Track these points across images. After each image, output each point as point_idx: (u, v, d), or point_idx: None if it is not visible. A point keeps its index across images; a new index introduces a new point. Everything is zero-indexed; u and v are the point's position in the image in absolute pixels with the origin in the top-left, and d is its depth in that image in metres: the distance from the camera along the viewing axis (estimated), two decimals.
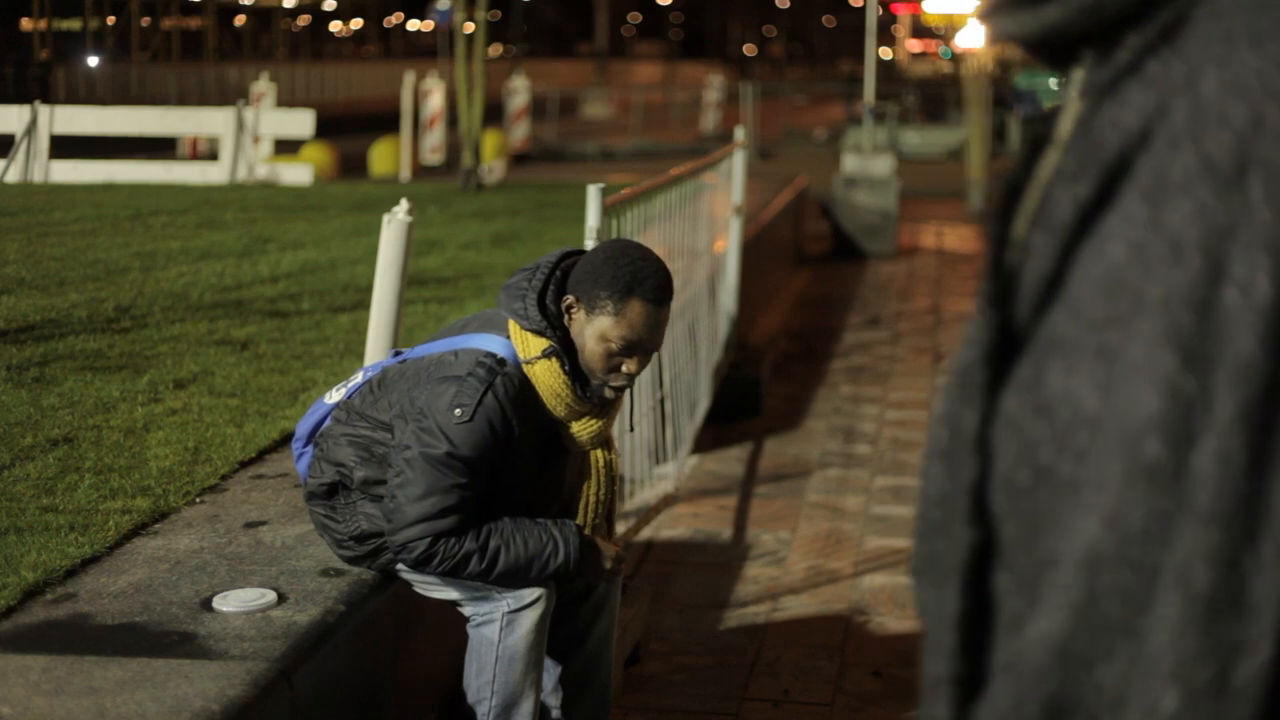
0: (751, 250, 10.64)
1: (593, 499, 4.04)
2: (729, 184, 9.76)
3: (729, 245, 9.63)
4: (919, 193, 21.92)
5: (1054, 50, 1.27)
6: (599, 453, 4.03)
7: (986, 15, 1.31)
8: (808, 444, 8.48)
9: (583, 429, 3.96)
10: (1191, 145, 1.09)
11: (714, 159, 9.24)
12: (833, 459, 8.16)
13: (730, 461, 8.11)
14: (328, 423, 4.09)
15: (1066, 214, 1.16)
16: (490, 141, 21.07)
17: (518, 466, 3.88)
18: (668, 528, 6.92)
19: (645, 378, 7.03)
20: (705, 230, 9.05)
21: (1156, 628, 1.09)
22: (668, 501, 7.09)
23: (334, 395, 4.15)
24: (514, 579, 3.83)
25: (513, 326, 3.87)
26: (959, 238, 18.65)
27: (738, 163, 9.88)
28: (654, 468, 7.25)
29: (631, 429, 5.50)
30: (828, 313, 12.97)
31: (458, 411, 3.72)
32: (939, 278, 15.07)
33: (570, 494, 4.05)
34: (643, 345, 3.87)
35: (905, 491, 7.50)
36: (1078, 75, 1.25)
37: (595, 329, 3.84)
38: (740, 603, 5.98)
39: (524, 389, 3.83)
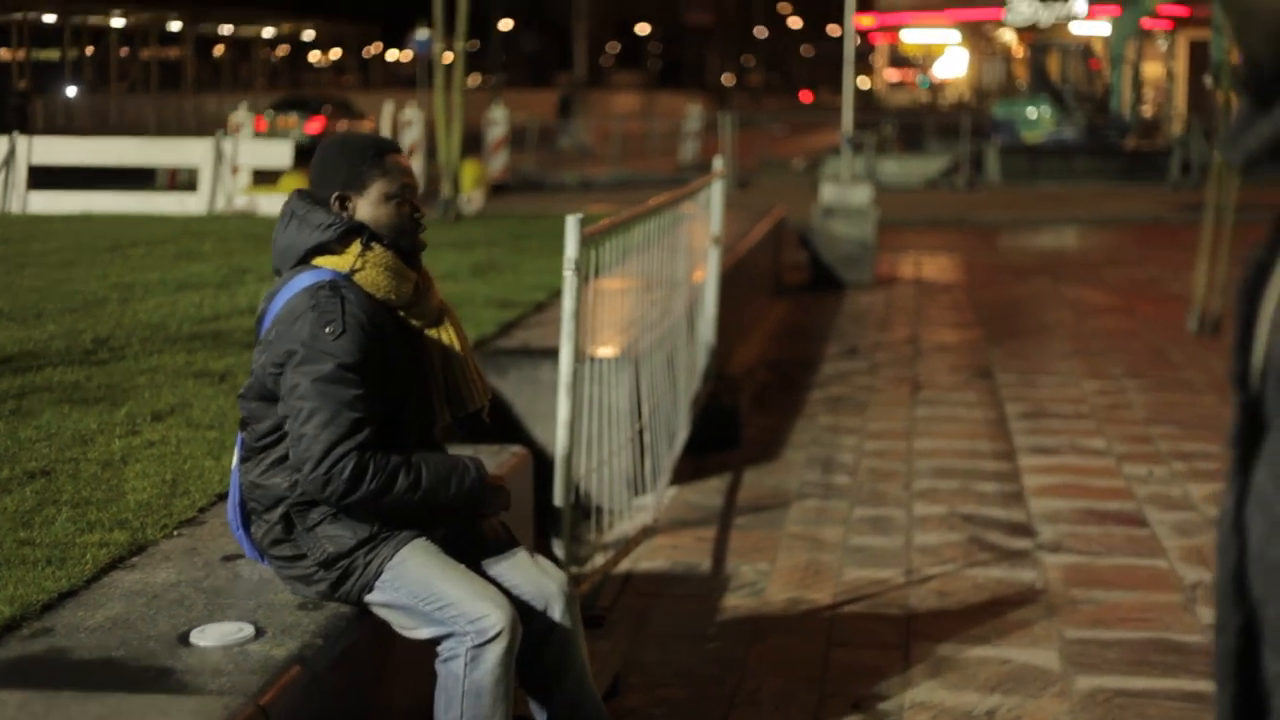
0: (730, 280, 10.66)
1: (464, 367, 4.24)
2: (707, 214, 9.78)
3: (708, 275, 9.64)
4: (897, 222, 21.97)
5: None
6: (446, 327, 4.22)
7: (1228, 141, 1.29)
8: (786, 475, 8.47)
9: (426, 302, 4.16)
10: None
11: (692, 189, 9.26)
12: (811, 490, 8.15)
13: (709, 493, 8.10)
14: (244, 481, 4.10)
15: None
16: (469, 171, 21.09)
17: (396, 370, 4.00)
18: (646, 559, 6.90)
19: (624, 408, 7.04)
20: (684, 260, 9.07)
21: None
22: (646, 533, 7.09)
23: (235, 457, 4.18)
24: (435, 497, 3.94)
25: (322, 259, 4.01)
26: (937, 267, 18.70)
27: (716, 193, 9.90)
28: (632, 499, 7.25)
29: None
30: (806, 343, 12.98)
31: (328, 329, 3.84)
32: (917, 308, 15.10)
33: (444, 378, 4.20)
34: (413, 184, 4.16)
35: (884, 522, 7.50)
36: None
37: (375, 197, 4.07)
38: (720, 634, 5.97)
39: (363, 297, 3.97)
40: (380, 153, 4.11)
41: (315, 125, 38.04)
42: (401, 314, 4.09)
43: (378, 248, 4.02)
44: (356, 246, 4.01)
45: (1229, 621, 1.27)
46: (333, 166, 4.10)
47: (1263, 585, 1.17)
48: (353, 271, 3.98)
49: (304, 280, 3.96)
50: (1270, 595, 1.16)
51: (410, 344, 4.10)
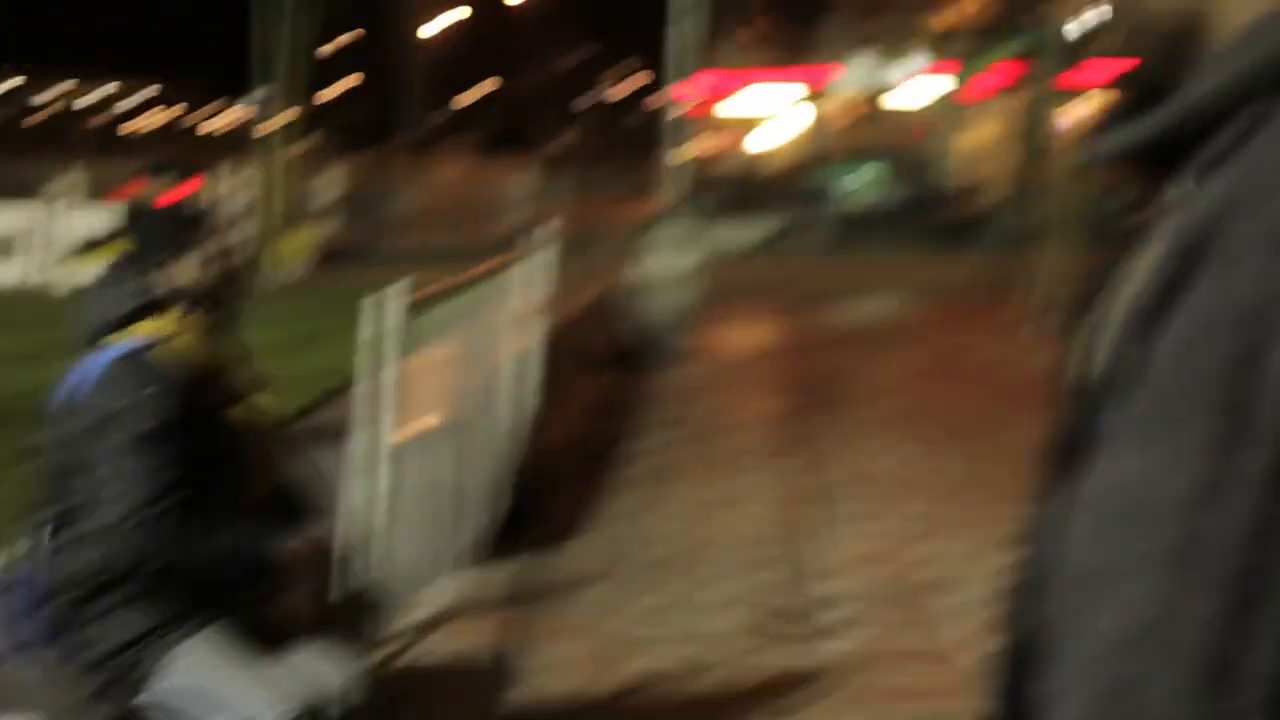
0: (553, 350, 10.65)
1: (259, 448, 4.26)
2: (531, 283, 9.77)
3: (527, 346, 9.62)
4: (722, 290, 22.08)
5: (1152, 163, 1.30)
6: (251, 404, 4.24)
7: (1094, 138, 1.35)
8: (593, 551, 8.40)
9: (237, 374, 4.19)
10: (1255, 214, 1.12)
11: (516, 257, 9.25)
12: (615, 569, 8.06)
13: (511, 573, 7.93)
14: (28, 580, 4.03)
15: (1152, 299, 1.18)
16: (296, 238, 20.93)
17: (200, 442, 3.96)
18: (442, 644, 6.75)
19: (440, 480, 6.98)
20: (507, 329, 9.04)
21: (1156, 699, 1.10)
22: (443, 617, 6.98)
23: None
24: (227, 572, 3.94)
25: (139, 326, 4.00)
26: (759, 335, 18.84)
27: (541, 261, 9.92)
28: (433, 581, 7.11)
29: None
30: (623, 415, 12.95)
31: (141, 394, 3.84)
32: (737, 377, 15.18)
33: (241, 454, 4.19)
34: (232, 251, 4.22)
35: (685, 601, 7.45)
36: (1171, 187, 1.28)
37: (195, 263, 4.09)
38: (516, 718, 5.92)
39: (178, 364, 3.97)
40: (200, 220, 4.12)
41: (183, 190, 37.41)
42: (212, 385, 4.06)
43: (195, 315, 4.03)
44: (175, 313, 4.01)
45: (1013, 633, 1.33)
46: (153, 233, 4.09)
47: (1061, 600, 1.20)
48: (169, 338, 3.97)
49: (119, 348, 3.93)
50: (1066, 609, 1.19)
51: (215, 417, 4.06)
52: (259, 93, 30.92)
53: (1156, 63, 1.31)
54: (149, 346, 3.93)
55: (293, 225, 19.22)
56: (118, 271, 4.08)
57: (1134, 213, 1.37)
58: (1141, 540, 1.11)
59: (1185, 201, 1.22)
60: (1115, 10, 1.34)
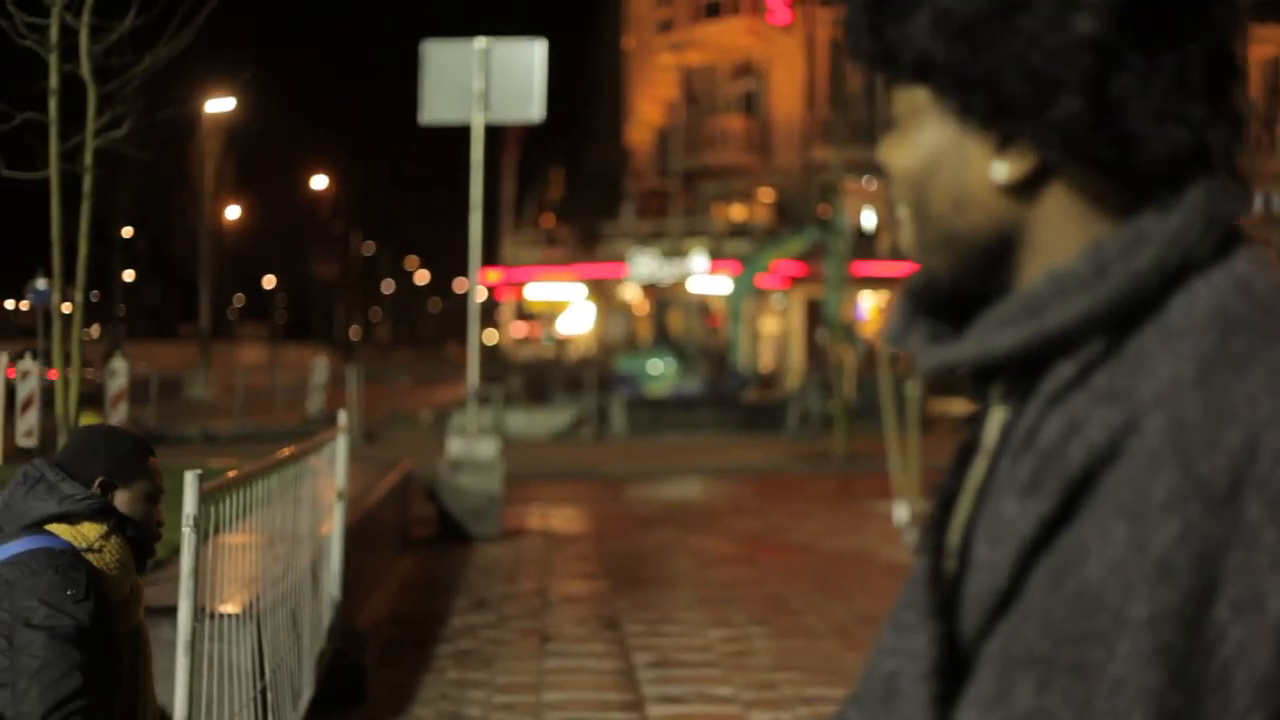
0: (356, 534, 10.53)
1: (148, 676, 4.33)
2: (332, 468, 9.68)
3: (333, 530, 9.51)
4: (525, 475, 22.09)
5: (981, 373, 1.30)
6: (143, 640, 4.27)
7: (897, 340, 1.36)
8: None
9: (135, 608, 4.17)
10: (1179, 465, 1.10)
11: (317, 443, 9.17)
12: None
13: None
14: None
15: (1025, 529, 1.16)
16: (87, 424, 20.49)
17: (109, 649, 3.97)
18: None
19: (246, 666, 6.83)
20: (308, 514, 8.93)
21: None
22: None
23: None
24: None
25: (56, 528, 3.96)
26: (564, 519, 18.83)
27: (341, 446, 9.83)
28: None
29: None
30: (434, 597, 12.85)
31: (70, 592, 3.80)
32: (545, 559, 15.14)
33: (129, 686, 4.18)
34: (162, 489, 4.23)
35: None
36: (996, 390, 1.29)
37: (138, 493, 4.11)
38: None
39: (99, 574, 3.96)
40: (148, 452, 4.19)
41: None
42: (120, 607, 4.05)
43: (119, 539, 4.04)
44: (101, 529, 4.00)
45: None
46: (100, 452, 4.12)
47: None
48: (88, 549, 3.95)
49: (34, 542, 3.91)
50: None
51: (113, 642, 4.04)
52: (38, 281, 30.49)
53: (953, 276, 1.32)
54: (72, 549, 3.93)
55: (85, 411, 18.79)
56: (53, 472, 4.06)
57: (930, 399, 1.38)
58: None
59: (1031, 421, 1.22)
60: (905, 219, 1.36)
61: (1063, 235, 1.25)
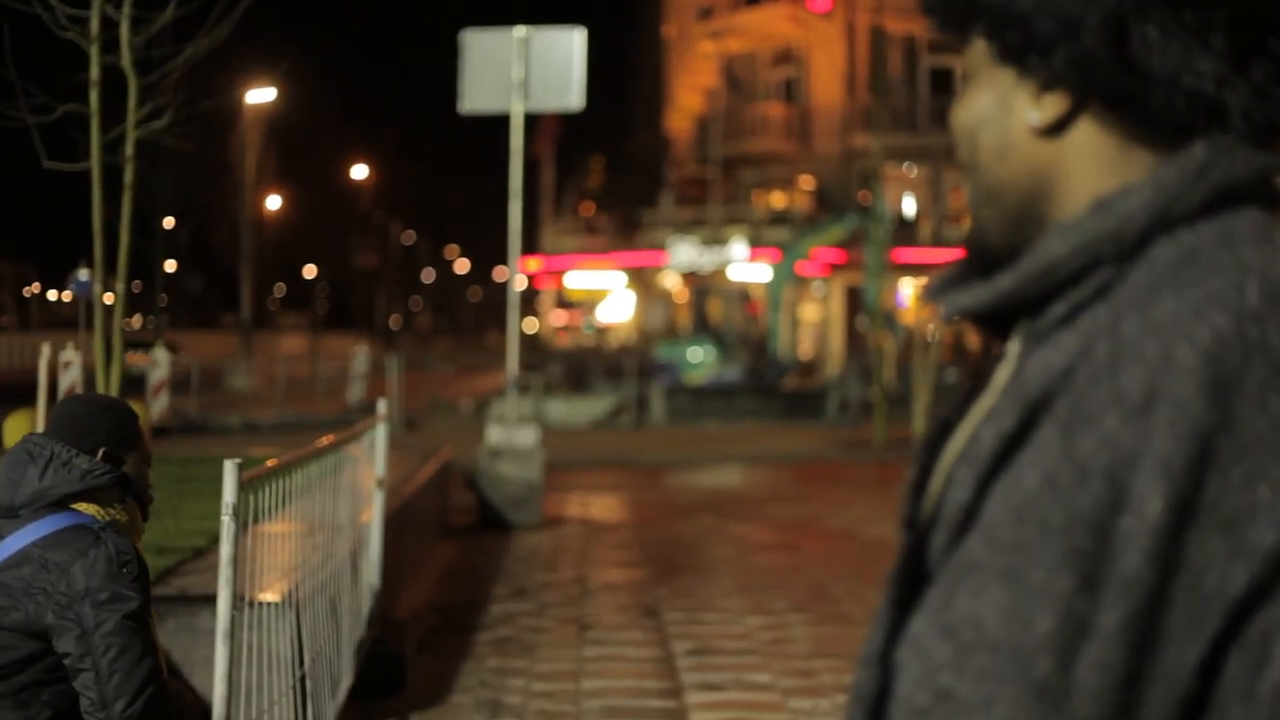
0: (395, 523, 10.56)
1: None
2: (373, 456, 9.71)
3: (372, 518, 9.55)
4: (564, 463, 22.13)
5: (997, 321, 1.37)
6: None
7: (935, 293, 1.43)
8: None
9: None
10: (1108, 379, 1.16)
11: (357, 432, 9.20)
12: None
13: None
14: None
15: (988, 447, 1.22)
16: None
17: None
18: None
19: (285, 655, 6.86)
20: (348, 503, 8.96)
21: None
22: None
23: None
24: None
25: (82, 505, 4.05)
26: (604, 507, 18.85)
27: (381, 435, 9.86)
28: None
29: None
30: (473, 585, 12.89)
31: (124, 570, 3.88)
32: (584, 548, 15.17)
33: None
34: (150, 452, 4.34)
35: None
36: (1013, 344, 1.35)
37: (139, 458, 4.24)
38: None
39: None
40: (137, 418, 4.29)
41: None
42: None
43: (132, 503, 4.16)
44: (120, 501, 4.11)
45: None
46: (98, 423, 4.17)
47: None
48: (113, 522, 4.02)
49: (64, 520, 3.96)
50: None
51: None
52: (80, 272, 30.64)
53: (997, 230, 1.40)
54: (107, 526, 3.99)
55: (127, 401, 18.91)
56: (61, 449, 4.08)
57: (971, 380, 1.44)
58: (1008, 679, 1.14)
59: (1021, 359, 1.29)
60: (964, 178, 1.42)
61: (1085, 189, 1.34)
